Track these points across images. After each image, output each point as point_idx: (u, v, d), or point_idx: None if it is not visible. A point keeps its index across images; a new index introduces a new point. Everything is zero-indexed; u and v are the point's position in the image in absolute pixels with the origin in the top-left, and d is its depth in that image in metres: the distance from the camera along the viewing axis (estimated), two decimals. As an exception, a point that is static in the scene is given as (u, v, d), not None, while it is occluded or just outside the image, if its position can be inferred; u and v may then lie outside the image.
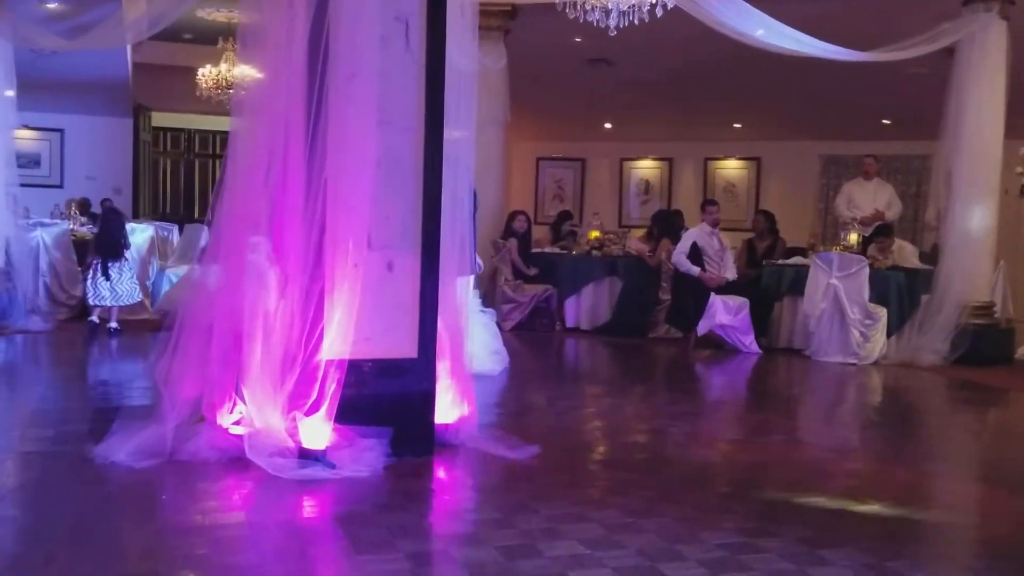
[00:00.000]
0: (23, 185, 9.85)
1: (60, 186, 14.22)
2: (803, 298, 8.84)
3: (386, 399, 4.41)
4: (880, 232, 9.36)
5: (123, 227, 8.95)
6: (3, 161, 8.83)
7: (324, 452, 4.16)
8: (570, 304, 10.34)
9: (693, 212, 11.22)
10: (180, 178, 16.99)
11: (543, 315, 10.30)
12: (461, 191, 4.82)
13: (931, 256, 9.60)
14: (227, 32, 11.37)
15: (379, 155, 4.36)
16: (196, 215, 15.81)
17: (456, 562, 3.22)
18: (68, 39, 9.38)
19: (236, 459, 4.17)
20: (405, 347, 4.49)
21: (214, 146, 16.85)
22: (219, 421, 4.36)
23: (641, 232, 11.28)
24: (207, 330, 4.33)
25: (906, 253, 9.48)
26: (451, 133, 4.68)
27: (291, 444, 4.17)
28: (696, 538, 3.46)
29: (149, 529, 3.46)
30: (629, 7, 6.67)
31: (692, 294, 9.11)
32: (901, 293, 8.77)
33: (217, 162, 16.46)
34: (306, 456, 4.14)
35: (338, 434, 4.22)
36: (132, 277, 8.76)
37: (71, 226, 10.24)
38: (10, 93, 8.88)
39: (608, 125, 15.34)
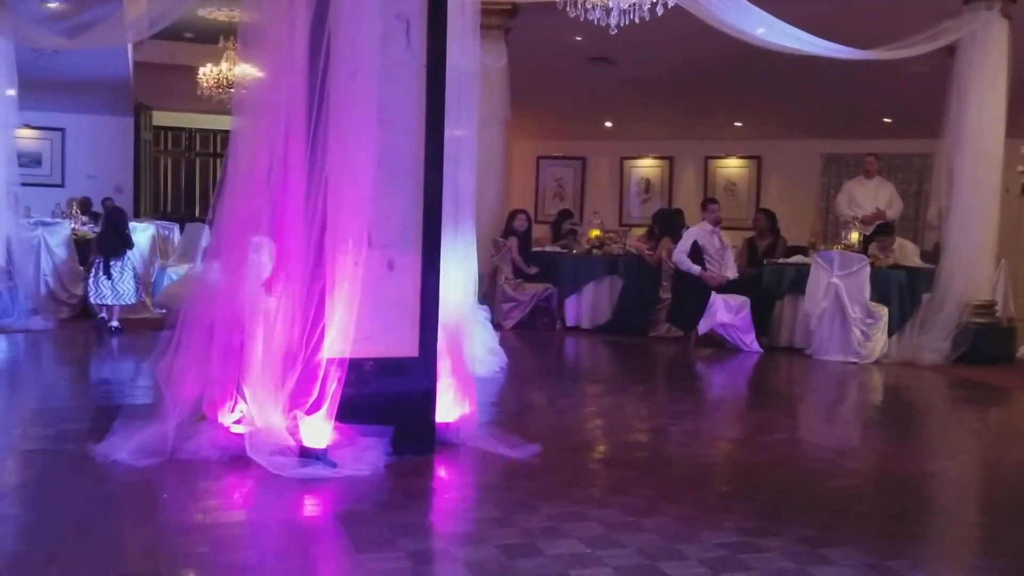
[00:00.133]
0: (24, 184, 9.87)
1: (61, 185, 14.23)
2: (804, 297, 8.83)
3: (387, 398, 4.41)
4: (881, 231, 9.35)
5: (126, 226, 8.96)
6: (4, 160, 8.84)
7: (325, 451, 4.16)
8: (570, 303, 10.33)
9: (694, 211, 11.21)
10: (181, 177, 16.99)
11: (543, 314, 10.30)
12: (463, 190, 4.82)
13: (932, 255, 9.59)
14: (228, 31, 11.38)
15: (380, 154, 4.36)
16: (197, 214, 15.83)
17: (457, 561, 3.22)
18: (69, 38, 9.40)
19: (237, 458, 4.18)
20: (406, 346, 4.49)
21: (215, 145, 16.86)
22: (220, 420, 4.36)
23: (642, 231, 11.29)
24: (208, 329, 4.33)
25: (907, 252, 9.48)
26: (453, 132, 4.68)
27: (292, 443, 4.18)
28: (697, 537, 3.46)
29: (150, 527, 3.46)
30: (630, 6, 6.66)
31: (693, 293, 9.11)
32: (902, 292, 8.77)
33: (218, 161, 16.47)
34: (307, 455, 4.14)
35: (339, 433, 4.22)
36: (133, 276, 8.76)
37: (72, 225, 10.24)
38: (11, 92, 8.89)
39: (608, 124, 15.34)
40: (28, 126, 12.41)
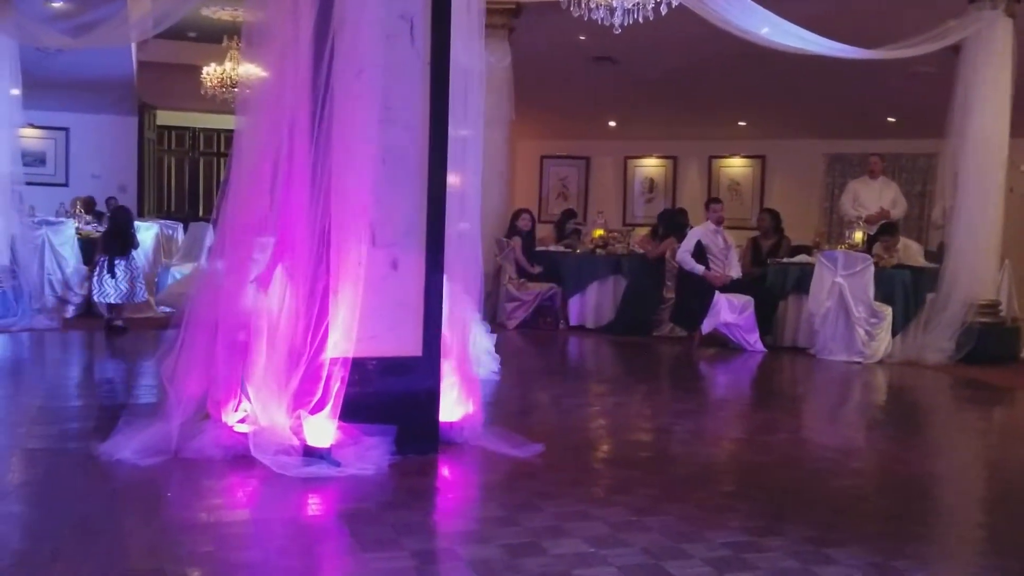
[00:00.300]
0: (28, 183, 9.90)
1: (65, 184, 14.26)
2: (808, 296, 8.82)
3: (391, 397, 4.41)
4: (885, 230, 9.33)
5: (132, 225, 8.98)
6: (8, 159, 8.86)
7: (329, 450, 4.16)
8: (574, 302, 10.33)
9: (698, 211, 11.21)
10: (185, 176, 17.02)
11: (547, 313, 10.30)
12: (468, 189, 4.82)
13: (937, 254, 9.57)
14: (232, 30, 11.41)
15: (384, 153, 4.36)
16: (201, 213, 15.86)
17: (461, 560, 3.22)
18: (73, 37, 9.42)
19: (241, 457, 4.18)
20: (409, 345, 4.49)
21: (219, 144, 16.88)
22: (224, 419, 4.36)
23: (645, 231, 11.28)
24: (212, 328, 4.33)
25: (911, 251, 9.46)
26: (458, 131, 4.68)
27: (296, 442, 4.18)
28: (701, 536, 3.45)
29: (154, 526, 3.47)
30: (633, 5, 6.67)
31: (697, 292, 9.10)
32: (906, 292, 8.75)
33: (222, 160, 16.50)
34: (311, 454, 4.15)
35: (343, 432, 4.22)
36: (138, 276, 8.78)
37: (76, 224, 10.26)
38: (15, 92, 8.91)
39: (612, 123, 15.33)
40: (32, 125, 12.43)
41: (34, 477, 4.10)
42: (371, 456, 4.18)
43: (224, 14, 11.51)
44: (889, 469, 4.86)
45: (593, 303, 10.32)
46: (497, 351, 7.01)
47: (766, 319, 9.08)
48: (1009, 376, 8.16)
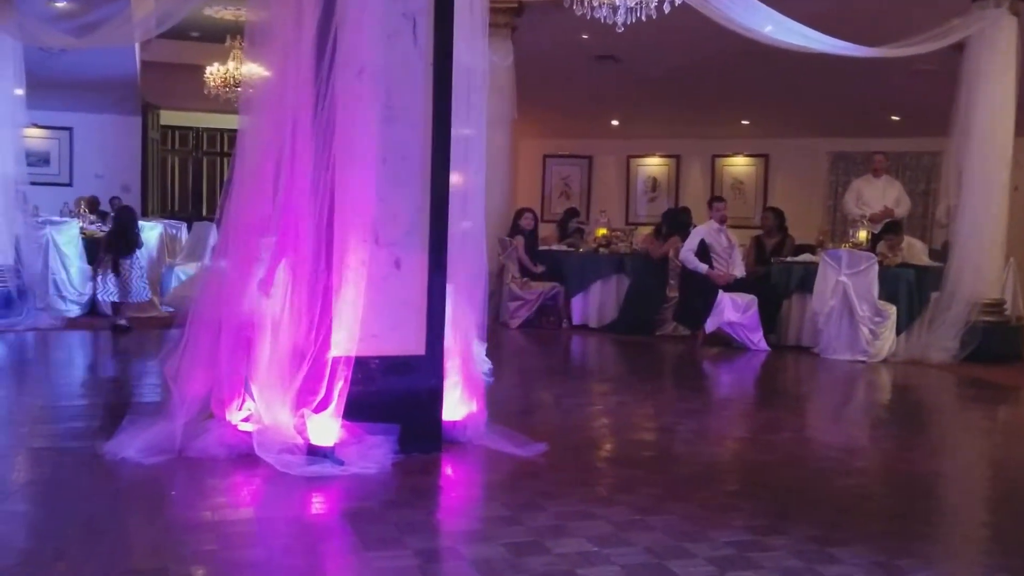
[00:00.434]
0: (32, 183, 9.93)
1: (69, 184, 14.29)
2: (812, 295, 8.81)
3: (394, 396, 4.41)
4: (889, 229, 9.32)
5: (136, 224, 8.99)
6: (12, 159, 8.87)
7: (332, 449, 4.16)
8: (577, 302, 10.33)
9: (701, 209, 11.21)
10: (188, 176, 17.05)
11: (550, 313, 10.30)
12: (471, 188, 4.82)
13: (941, 253, 9.56)
14: (235, 30, 11.42)
15: (386, 152, 4.36)
16: (204, 213, 15.88)
17: (464, 559, 3.22)
18: (77, 37, 9.43)
19: (245, 456, 4.18)
20: (412, 344, 4.49)
21: (222, 144, 16.90)
22: (228, 418, 4.37)
23: (648, 230, 11.28)
24: (216, 327, 4.34)
25: (916, 250, 9.45)
26: (461, 130, 4.68)
27: (300, 441, 4.18)
28: (704, 536, 3.45)
29: (158, 525, 3.47)
30: (636, 3, 6.66)
31: (700, 291, 9.09)
32: (911, 290, 8.74)
33: (225, 160, 16.53)
34: (314, 453, 4.15)
35: (346, 431, 4.22)
36: (142, 275, 8.79)
37: (80, 224, 10.28)
38: (19, 92, 8.92)
39: (615, 122, 15.33)
40: (36, 125, 12.46)
41: (38, 476, 4.11)
42: (374, 455, 4.19)
43: (227, 14, 11.53)
44: (893, 468, 4.85)
45: (596, 302, 10.32)
46: (500, 350, 7.02)
47: (770, 318, 9.07)
48: (1014, 375, 8.15)
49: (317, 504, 3.80)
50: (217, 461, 4.17)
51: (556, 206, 15.74)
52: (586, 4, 6.74)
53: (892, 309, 8.56)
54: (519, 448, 4.59)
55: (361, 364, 4.28)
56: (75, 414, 5.29)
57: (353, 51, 4.23)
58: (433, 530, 3.63)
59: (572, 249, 10.93)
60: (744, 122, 14.74)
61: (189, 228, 11.12)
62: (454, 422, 4.70)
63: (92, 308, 9.47)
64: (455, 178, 4.65)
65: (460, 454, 4.59)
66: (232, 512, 3.61)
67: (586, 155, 16.44)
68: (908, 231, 10.15)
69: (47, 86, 10.86)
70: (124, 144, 14.74)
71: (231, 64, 11.82)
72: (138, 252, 8.83)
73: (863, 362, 8.36)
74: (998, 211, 8.75)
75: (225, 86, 11.90)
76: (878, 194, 9.99)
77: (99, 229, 10.35)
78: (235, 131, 4.92)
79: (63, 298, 9.47)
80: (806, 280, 9.03)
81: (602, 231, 10.93)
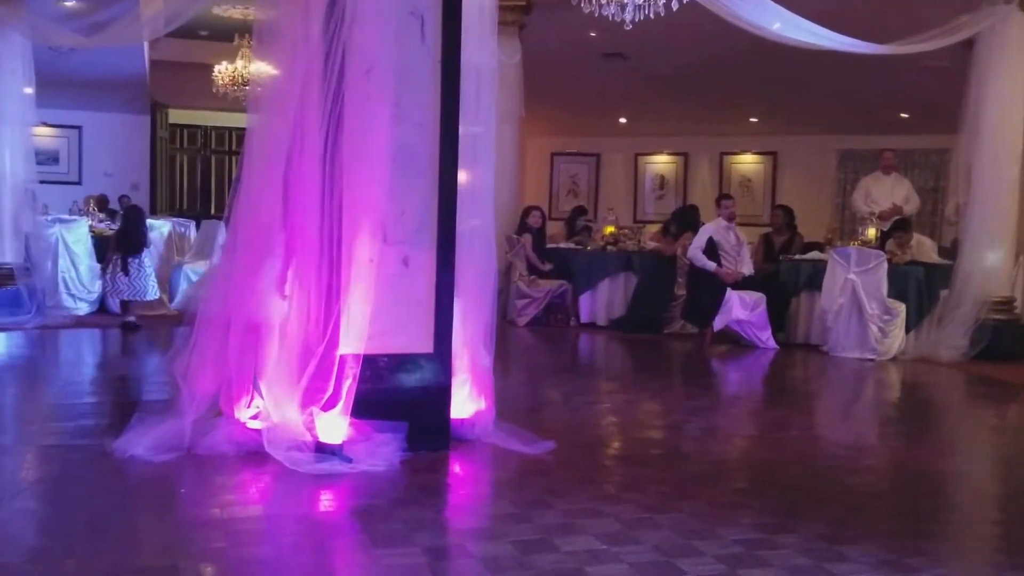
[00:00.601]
0: (42, 182, 9.97)
1: (78, 183, 14.33)
2: (820, 293, 8.79)
3: (402, 394, 4.42)
4: (898, 227, 9.29)
5: (144, 224, 9.01)
6: (22, 158, 8.91)
7: (341, 446, 4.17)
8: (585, 300, 10.32)
9: (708, 207, 11.19)
10: (197, 174, 17.10)
11: (558, 310, 10.29)
12: (481, 186, 4.82)
13: (950, 251, 9.52)
14: (243, 29, 11.44)
15: (394, 150, 4.36)
16: (213, 211, 15.93)
17: (472, 556, 3.22)
18: (86, 36, 9.46)
19: (253, 453, 4.20)
20: (421, 342, 4.49)
21: (230, 142, 16.95)
22: (237, 416, 4.38)
23: (656, 227, 11.26)
24: (225, 325, 4.35)
25: (925, 248, 9.42)
26: (471, 128, 4.68)
27: (308, 438, 4.19)
28: (713, 534, 3.45)
29: (167, 523, 3.48)
30: (644, 1, 6.64)
31: (708, 289, 9.07)
32: (920, 288, 8.71)
33: (234, 158, 16.57)
34: (323, 450, 4.16)
35: (354, 428, 4.23)
36: (150, 273, 8.81)
37: (90, 222, 10.31)
38: (29, 90, 8.95)
39: (623, 120, 15.31)
40: (45, 124, 12.49)
41: (48, 474, 4.12)
42: (383, 452, 4.19)
43: (235, 12, 11.55)
44: (902, 466, 4.84)
45: (604, 300, 10.30)
46: (507, 348, 7.01)
47: (778, 316, 9.05)
48: (1023, 373, 8.11)
49: (326, 502, 3.81)
50: (226, 459, 4.19)
51: (564, 204, 15.72)
52: (594, 2, 6.72)
53: (901, 307, 8.53)
54: (527, 446, 4.59)
55: (369, 362, 4.28)
56: (84, 412, 5.31)
57: (361, 49, 4.24)
58: (441, 528, 3.64)
59: (580, 247, 10.92)
60: (752, 119, 14.70)
61: (198, 226, 11.13)
62: (462, 420, 4.70)
63: (101, 306, 9.51)
64: (464, 176, 4.64)
65: (468, 452, 4.60)
66: (241, 509, 3.62)
67: (594, 153, 16.42)
68: (917, 228, 10.11)
69: (56, 85, 10.89)
70: (133, 143, 14.78)
71: (239, 63, 11.84)
72: (146, 251, 8.85)
73: (872, 360, 8.33)
74: (1008, 208, 8.70)
75: (233, 85, 11.92)
76: (887, 191, 9.95)
77: (108, 227, 10.38)
78: (243, 130, 4.93)
79: (72, 296, 9.50)
80: (815, 278, 9.00)
81: (610, 229, 10.91)
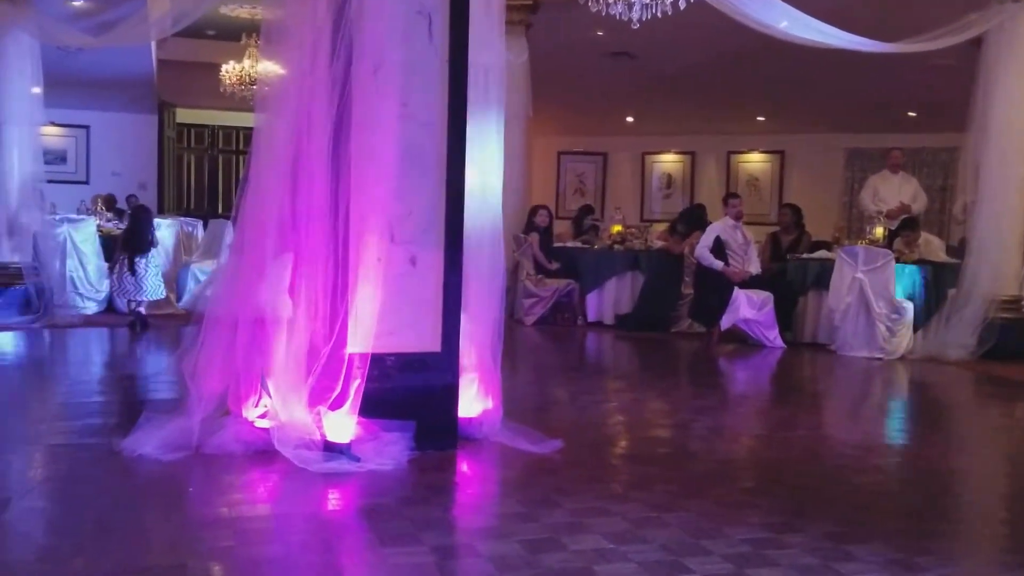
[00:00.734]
0: (50, 181, 9.98)
1: (86, 182, 14.38)
2: (828, 292, 8.77)
3: (409, 393, 4.42)
4: (906, 226, 9.27)
5: (151, 224, 9.04)
6: (30, 157, 8.94)
7: (349, 445, 4.18)
8: (592, 298, 10.32)
9: (716, 206, 11.17)
10: (204, 174, 17.13)
11: (565, 309, 10.29)
12: (489, 185, 4.82)
13: (958, 250, 9.50)
14: (250, 28, 11.45)
15: (402, 149, 4.36)
16: (220, 211, 15.96)
17: (480, 555, 3.22)
18: (94, 36, 9.48)
19: (261, 452, 4.20)
20: (428, 341, 4.49)
21: (238, 142, 16.98)
22: (245, 415, 4.39)
23: (663, 226, 11.25)
24: (232, 324, 4.35)
25: (933, 247, 9.39)
26: (478, 127, 4.68)
27: (316, 437, 4.20)
28: (720, 533, 3.44)
29: (175, 521, 3.49)
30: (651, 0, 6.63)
31: (715, 288, 9.06)
32: (927, 287, 8.69)
33: (241, 158, 16.60)
34: (331, 449, 4.16)
35: (362, 428, 4.24)
36: (158, 273, 8.83)
37: (97, 222, 10.34)
38: (37, 90, 8.98)
39: (630, 119, 15.30)
40: (53, 123, 12.54)
41: (56, 473, 4.14)
42: (390, 452, 4.19)
43: (242, 12, 11.57)
44: (910, 465, 4.83)
45: (611, 299, 10.30)
46: (515, 347, 7.01)
47: (786, 315, 9.04)
48: (1031, 372, 8.09)
49: (333, 500, 3.82)
50: (234, 457, 4.19)
51: (571, 203, 15.73)
52: (601, 1, 6.72)
53: (909, 306, 8.51)
54: (535, 445, 4.59)
55: (377, 361, 4.29)
56: (92, 411, 5.33)
57: (369, 48, 4.24)
58: (449, 526, 3.64)
59: (587, 246, 10.92)
60: (759, 118, 14.68)
61: (205, 226, 11.16)
62: (470, 419, 4.70)
63: (109, 305, 9.54)
64: (471, 175, 4.64)
65: (476, 451, 4.60)
66: (249, 508, 3.63)
67: (601, 152, 16.42)
68: (925, 227, 10.08)
69: (64, 84, 10.92)
70: (140, 142, 14.83)
71: (247, 62, 11.86)
72: (153, 251, 8.87)
73: (880, 359, 8.31)
74: (1016, 207, 8.66)
75: (241, 84, 11.93)
76: (895, 190, 9.93)
77: (116, 227, 10.41)
78: (251, 129, 4.94)
79: (80, 295, 9.52)
80: (822, 277, 8.99)
81: (617, 228, 10.91)
